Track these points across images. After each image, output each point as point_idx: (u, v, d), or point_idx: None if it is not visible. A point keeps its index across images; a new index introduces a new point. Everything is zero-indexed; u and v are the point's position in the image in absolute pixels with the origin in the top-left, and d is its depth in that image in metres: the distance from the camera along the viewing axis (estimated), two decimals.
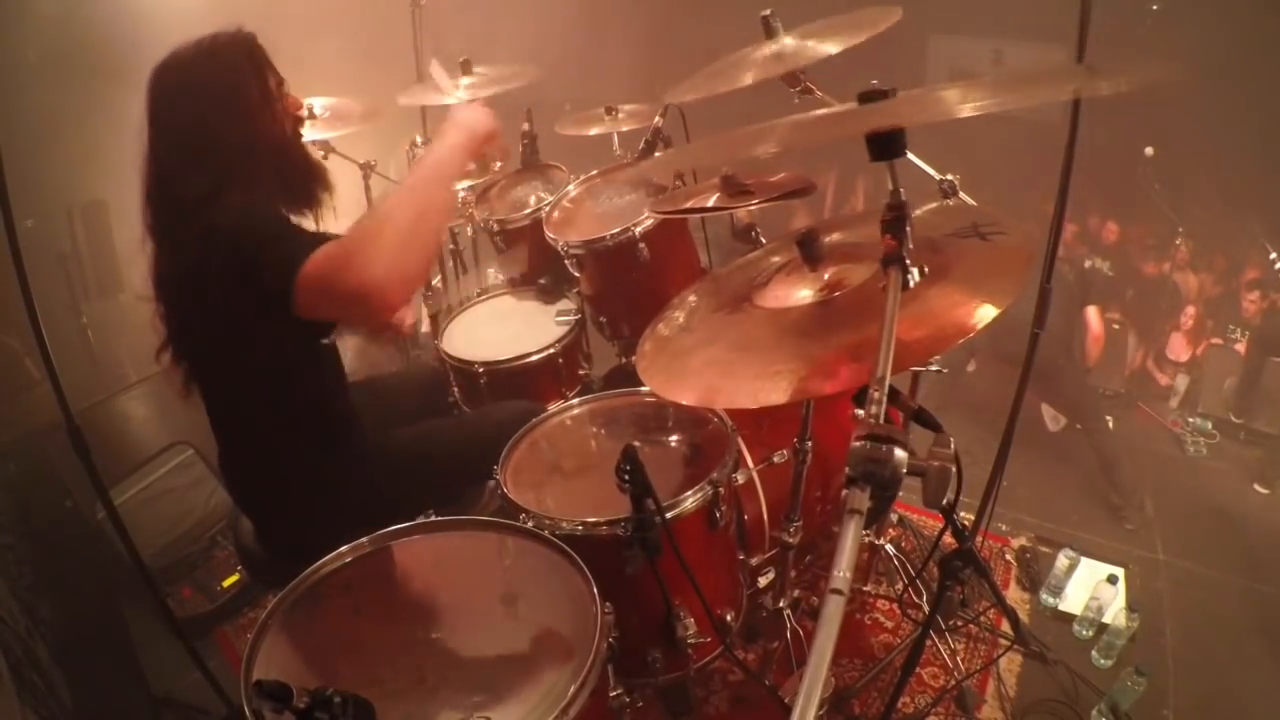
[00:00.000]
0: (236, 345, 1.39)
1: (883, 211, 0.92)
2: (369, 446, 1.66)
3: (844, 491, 0.65)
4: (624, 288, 2.16)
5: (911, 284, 0.88)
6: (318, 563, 1.32)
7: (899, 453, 0.65)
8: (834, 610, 0.57)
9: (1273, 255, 3.75)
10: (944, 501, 0.72)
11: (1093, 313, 3.57)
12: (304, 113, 1.54)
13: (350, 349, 2.47)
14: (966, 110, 0.79)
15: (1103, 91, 0.77)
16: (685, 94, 1.72)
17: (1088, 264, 3.94)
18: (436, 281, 3.03)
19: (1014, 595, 2.48)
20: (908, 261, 0.88)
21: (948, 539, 1.35)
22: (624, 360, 2.37)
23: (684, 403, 1.67)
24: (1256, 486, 3.31)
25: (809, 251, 1.28)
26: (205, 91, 1.37)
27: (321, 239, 1.30)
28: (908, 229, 0.90)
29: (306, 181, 1.54)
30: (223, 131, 1.37)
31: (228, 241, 1.29)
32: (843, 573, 0.58)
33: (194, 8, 2.81)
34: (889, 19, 1.63)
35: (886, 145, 0.90)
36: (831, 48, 1.62)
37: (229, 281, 1.29)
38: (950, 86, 0.88)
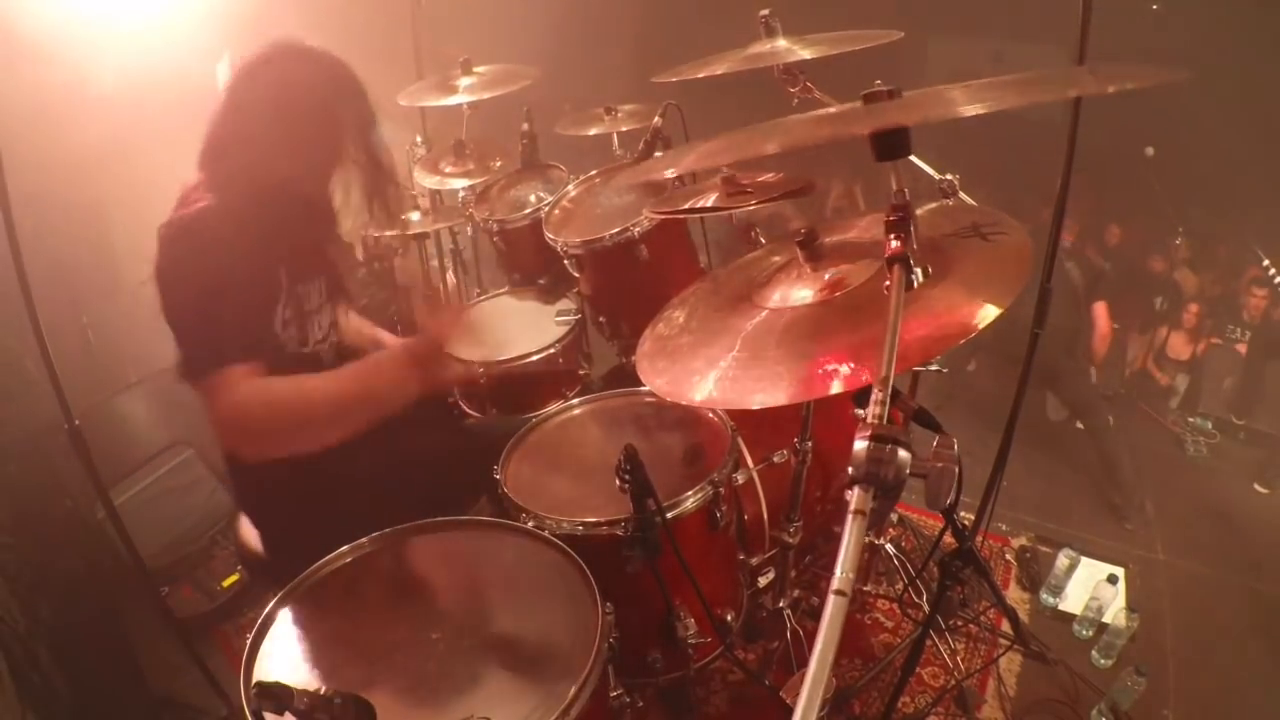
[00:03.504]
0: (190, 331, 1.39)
1: (887, 211, 0.92)
2: (371, 452, 1.66)
3: (847, 492, 0.64)
4: (623, 288, 2.16)
5: (916, 284, 0.87)
6: (318, 563, 1.32)
7: (903, 454, 0.65)
8: (836, 612, 0.57)
9: (1265, 262, 3.75)
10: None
11: (1101, 309, 3.58)
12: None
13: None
14: (974, 109, 0.79)
15: (1108, 91, 0.77)
16: (674, 76, 1.73)
17: (1106, 265, 3.95)
18: (437, 282, 3.03)
19: (1014, 595, 2.48)
20: (912, 261, 0.88)
21: (948, 539, 1.36)
22: (624, 360, 2.37)
23: (684, 403, 1.67)
24: (1256, 486, 3.31)
25: (809, 251, 1.28)
26: (294, 89, 1.39)
27: (246, 340, 1.33)
28: (912, 228, 0.90)
29: (313, 212, 1.55)
30: (287, 130, 1.38)
31: (187, 291, 1.32)
32: (845, 574, 0.58)
33: (196, 11, 2.81)
34: (889, 37, 1.64)
35: (892, 145, 0.90)
36: (828, 49, 1.64)
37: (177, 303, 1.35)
38: (962, 87, 0.87)
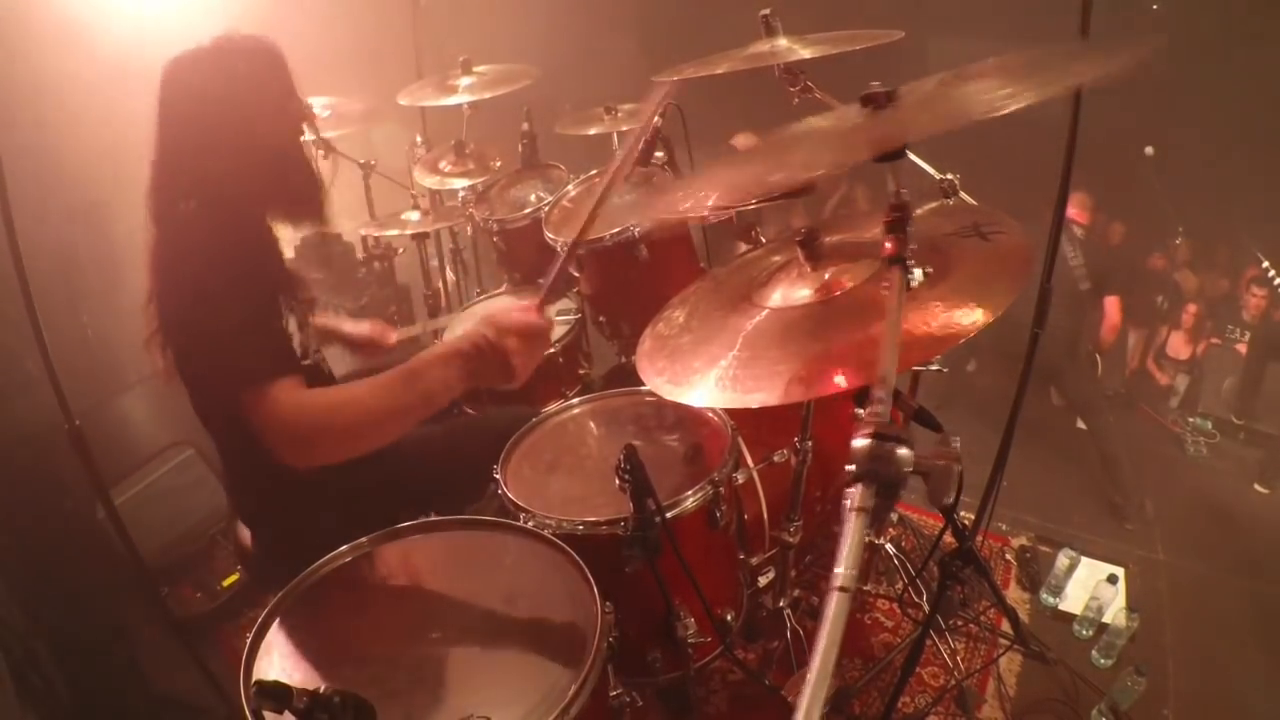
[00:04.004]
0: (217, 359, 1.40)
1: (885, 211, 0.92)
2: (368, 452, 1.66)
3: (847, 490, 0.64)
4: (623, 287, 2.16)
5: (914, 284, 0.87)
6: (318, 562, 1.32)
7: (903, 451, 0.65)
8: (839, 609, 0.57)
9: (1265, 263, 3.75)
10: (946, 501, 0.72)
11: (1112, 302, 3.59)
12: (307, 124, 1.55)
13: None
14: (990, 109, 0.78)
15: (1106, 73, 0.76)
16: (674, 75, 1.73)
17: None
18: (437, 282, 3.03)
19: (1014, 595, 2.48)
20: (910, 261, 0.88)
21: (948, 539, 1.36)
22: (624, 360, 2.37)
23: (684, 403, 1.67)
24: (1256, 486, 3.31)
25: (809, 251, 1.28)
26: (213, 89, 1.37)
27: (280, 354, 1.34)
28: (910, 229, 0.90)
29: (304, 193, 1.55)
30: (226, 131, 1.37)
31: (202, 316, 1.31)
32: (847, 570, 0.58)
33: (196, 10, 2.81)
34: (889, 37, 1.64)
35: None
36: (829, 49, 1.64)
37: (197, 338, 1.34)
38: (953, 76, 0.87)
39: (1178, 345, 4.07)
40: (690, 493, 1.49)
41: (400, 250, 3.24)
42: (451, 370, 1.31)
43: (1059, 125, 1.84)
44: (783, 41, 1.74)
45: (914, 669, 1.67)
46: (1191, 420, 3.72)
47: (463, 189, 2.66)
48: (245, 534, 1.74)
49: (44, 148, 2.60)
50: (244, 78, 1.39)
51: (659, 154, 2.10)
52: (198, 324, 1.33)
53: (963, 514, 2.36)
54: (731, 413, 1.67)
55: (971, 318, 1.01)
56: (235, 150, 1.38)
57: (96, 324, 3.07)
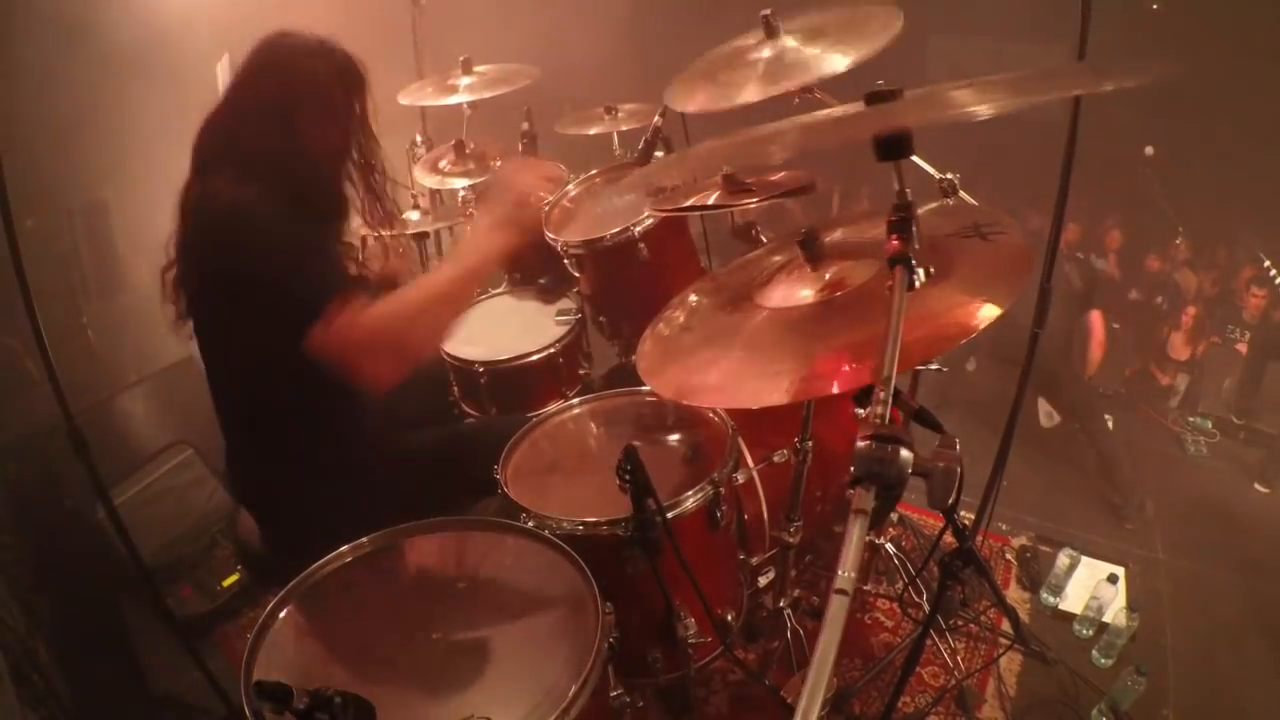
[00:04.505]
0: (242, 331, 1.45)
1: (889, 211, 0.92)
2: (372, 448, 1.66)
3: (849, 492, 0.64)
4: (624, 287, 2.16)
5: (918, 284, 0.87)
6: (318, 562, 1.32)
7: (905, 453, 0.65)
8: (838, 611, 0.57)
9: (1266, 263, 3.75)
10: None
11: (1096, 317, 3.58)
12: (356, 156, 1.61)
13: None
14: (979, 109, 0.79)
15: (1107, 89, 0.77)
16: (686, 100, 1.75)
17: (1099, 264, 3.94)
18: None
19: (1014, 595, 2.48)
20: (914, 261, 0.88)
21: (948, 538, 1.35)
22: (624, 360, 2.37)
23: (684, 403, 1.67)
24: (1256, 486, 3.31)
25: (810, 251, 1.28)
26: (300, 79, 1.46)
27: (341, 282, 1.43)
28: (914, 229, 0.90)
29: (325, 205, 1.59)
30: (294, 122, 1.46)
31: (259, 248, 1.37)
32: (847, 573, 0.58)
33: (198, 10, 2.81)
34: (890, 29, 1.64)
35: (894, 146, 0.90)
36: (837, 58, 1.65)
37: (247, 286, 1.38)
38: (962, 86, 0.87)
39: (1178, 345, 4.06)
40: (690, 493, 1.49)
41: (401, 250, 3.23)
42: (491, 240, 1.46)
43: (1059, 125, 1.84)
44: (789, 42, 1.74)
45: (914, 669, 1.66)
46: (1191, 420, 3.71)
47: (463, 189, 2.65)
48: (245, 534, 1.74)
49: (45, 146, 2.60)
50: (326, 80, 1.49)
51: (659, 154, 2.09)
52: (253, 272, 1.37)
53: (963, 514, 2.36)
54: (731, 413, 1.67)
55: (972, 318, 1.01)
56: (288, 137, 1.45)
57: (96, 324, 3.08)
